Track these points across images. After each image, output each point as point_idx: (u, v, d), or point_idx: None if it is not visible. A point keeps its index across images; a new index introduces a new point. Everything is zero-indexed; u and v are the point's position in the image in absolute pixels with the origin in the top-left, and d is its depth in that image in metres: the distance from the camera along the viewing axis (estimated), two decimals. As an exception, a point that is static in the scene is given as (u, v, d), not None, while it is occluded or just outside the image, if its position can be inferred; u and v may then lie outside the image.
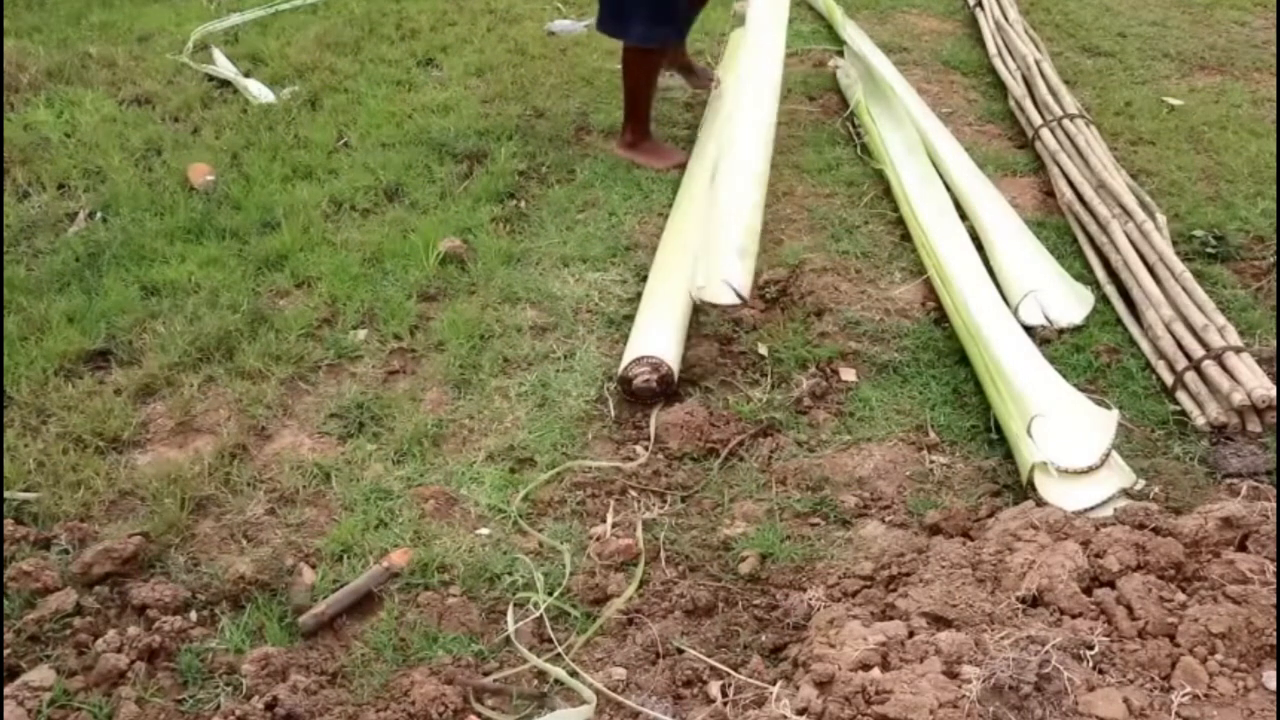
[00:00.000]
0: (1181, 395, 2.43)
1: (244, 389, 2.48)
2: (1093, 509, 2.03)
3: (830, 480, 2.25)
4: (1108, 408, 2.29)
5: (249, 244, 3.09)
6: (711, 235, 2.71)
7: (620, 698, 1.73)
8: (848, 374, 2.58)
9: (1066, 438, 2.18)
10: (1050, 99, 3.82)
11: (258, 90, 4.15)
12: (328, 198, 3.34)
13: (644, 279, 2.86)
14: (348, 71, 4.39)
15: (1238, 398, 2.28)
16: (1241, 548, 1.74)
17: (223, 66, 4.36)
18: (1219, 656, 1.53)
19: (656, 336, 2.52)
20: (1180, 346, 2.49)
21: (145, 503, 2.15)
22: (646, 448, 2.35)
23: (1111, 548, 1.73)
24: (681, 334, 2.58)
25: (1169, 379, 2.48)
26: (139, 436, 2.36)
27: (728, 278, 2.55)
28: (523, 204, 3.39)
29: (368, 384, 2.52)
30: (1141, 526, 1.81)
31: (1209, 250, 3.02)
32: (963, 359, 2.54)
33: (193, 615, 1.90)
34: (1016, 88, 4.05)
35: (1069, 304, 2.78)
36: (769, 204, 3.39)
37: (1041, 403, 2.26)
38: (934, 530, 2.08)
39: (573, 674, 1.79)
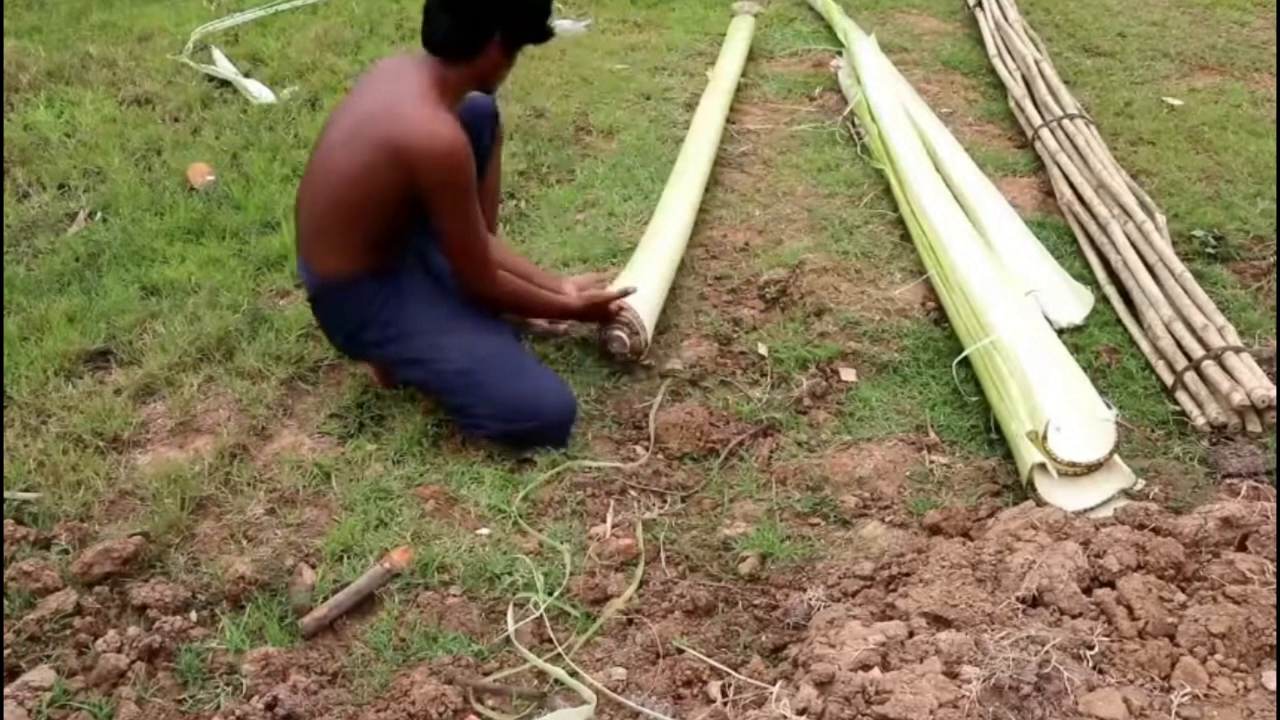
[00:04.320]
0: (1181, 395, 2.43)
1: (244, 389, 2.48)
2: (1093, 509, 2.03)
3: (830, 480, 2.25)
4: (1108, 407, 2.29)
5: (249, 244, 3.09)
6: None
7: (620, 698, 1.73)
8: (848, 374, 2.58)
9: (1076, 435, 2.16)
10: (1050, 99, 3.82)
11: (258, 90, 4.15)
12: (328, 198, 3.33)
13: (644, 279, 2.85)
14: (348, 71, 4.39)
15: (1237, 398, 2.28)
16: (1241, 548, 1.74)
17: (223, 66, 4.36)
18: (1219, 656, 1.53)
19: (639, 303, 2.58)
20: (1180, 346, 2.49)
21: (145, 503, 2.15)
22: (646, 448, 2.35)
23: (1111, 548, 1.73)
24: (658, 299, 2.68)
25: (1169, 379, 2.48)
26: (139, 436, 2.36)
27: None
28: (523, 204, 3.39)
29: (367, 384, 2.52)
30: (1141, 526, 1.81)
31: (1209, 250, 3.02)
32: (963, 359, 2.53)
33: (193, 615, 1.89)
34: (1016, 88, 4.06)
35: (1069, 304, 2.78)
36: (769, 204, 3.40)
37: (1055, 400, 2.24)
38: (934, 530, 2.08)
39: (573, 674, 1.79)
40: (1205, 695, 1.48)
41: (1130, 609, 1.62)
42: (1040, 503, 2.04)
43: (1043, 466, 2.10)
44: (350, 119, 2.23)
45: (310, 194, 2.28)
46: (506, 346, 2.40)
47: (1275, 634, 1.54)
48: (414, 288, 2.34)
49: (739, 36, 4.66)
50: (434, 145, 2.10)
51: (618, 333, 2.52)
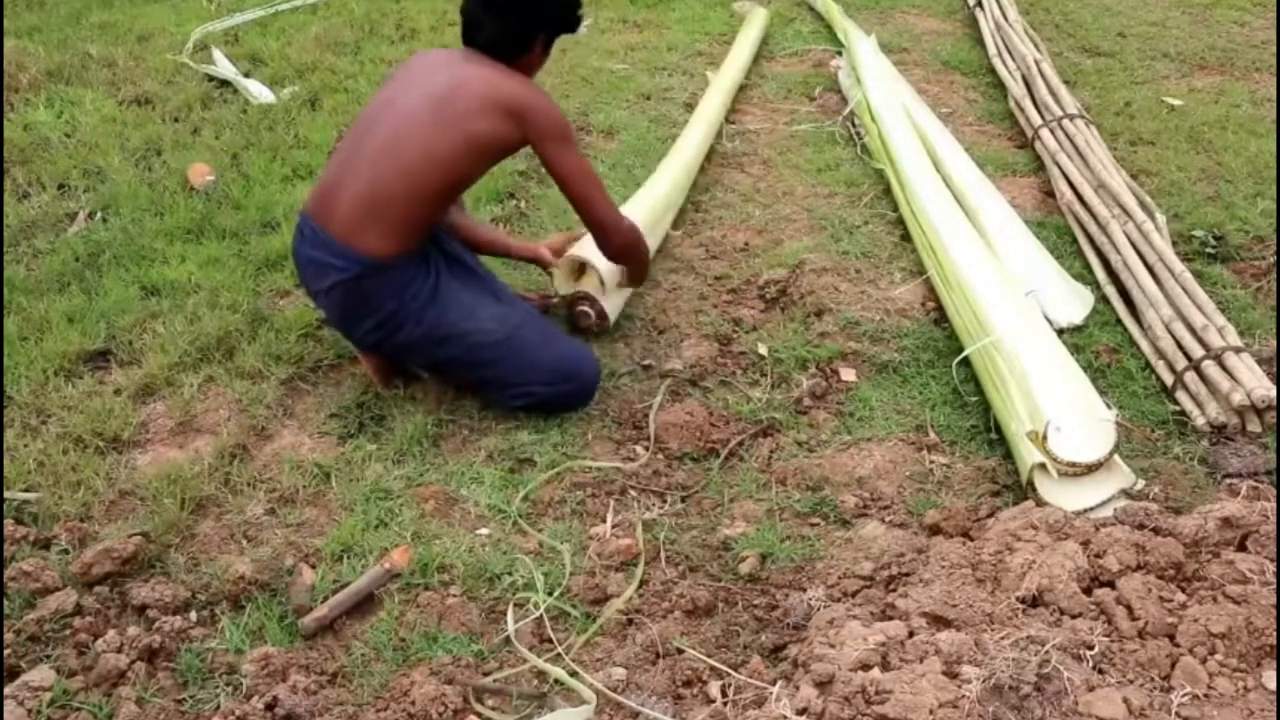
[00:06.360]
0: (1181, 395, 2.43)
1: (244, 389, 2.48)
2: (1093, 509, 2.03)
3: (830, 480, 2.25)
4: (1108, 407, 2.29)
5: (249, 244, 3.09)
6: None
7: (620, 698, 1.73)
8: (848, 374, 2.58)
9: (1076, 435, 2.16)
10: (1050, 99, 3.82)
11: (258, 90, 4.15)
12: (328, 198, 3.33)
13: (644, 279, 2.85)
14: (348, 71, 4.39)
15: (1237, 398, 2.28)
16: (1241, 548, 1.74)
17: (223, 66, 4.36)
18: (1219, 656, 1.53)
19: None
20: (1180, 346, 2.49)
21: (145, 503, 2.15)
22: (646, 448, 2.35)
23: (1111, 548, 1.73)
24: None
25: (1169, 379, 2.48)
26: (139, 436, 2.36)
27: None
28: (523, 204, 3.39)
29: (367, 384, 2.52)
30: (1141, 526, 1.81)
31: (1209, 250, 3.02)
32: (963, 359, 2.53)
33: (193, 615, 1.89)
34: (1016, 88, 4.06)
35: (1069, 304, 2.78)
36: (769, 204, 3.40)
37: (1055, 400, 2.24)
38: (934, 530, 2.08)
39: (573, 674, 1.79)
40: (1205, 695, 1.48)
41: (1130, 609, 1.62)
42: (1040, 503, 2.04)
43: (1043, 466, 2.10)
44: (418, 102, 2.27)
45: (370, 178, 2.27)
46: (532, 314, 2.50)
47: (1275, 634, 1.54)
48: (441, 265, 2.41)
49: (754, 28, 4.78)
50: (546, 101, 2.29)
51: (582, 308, 2.65)
